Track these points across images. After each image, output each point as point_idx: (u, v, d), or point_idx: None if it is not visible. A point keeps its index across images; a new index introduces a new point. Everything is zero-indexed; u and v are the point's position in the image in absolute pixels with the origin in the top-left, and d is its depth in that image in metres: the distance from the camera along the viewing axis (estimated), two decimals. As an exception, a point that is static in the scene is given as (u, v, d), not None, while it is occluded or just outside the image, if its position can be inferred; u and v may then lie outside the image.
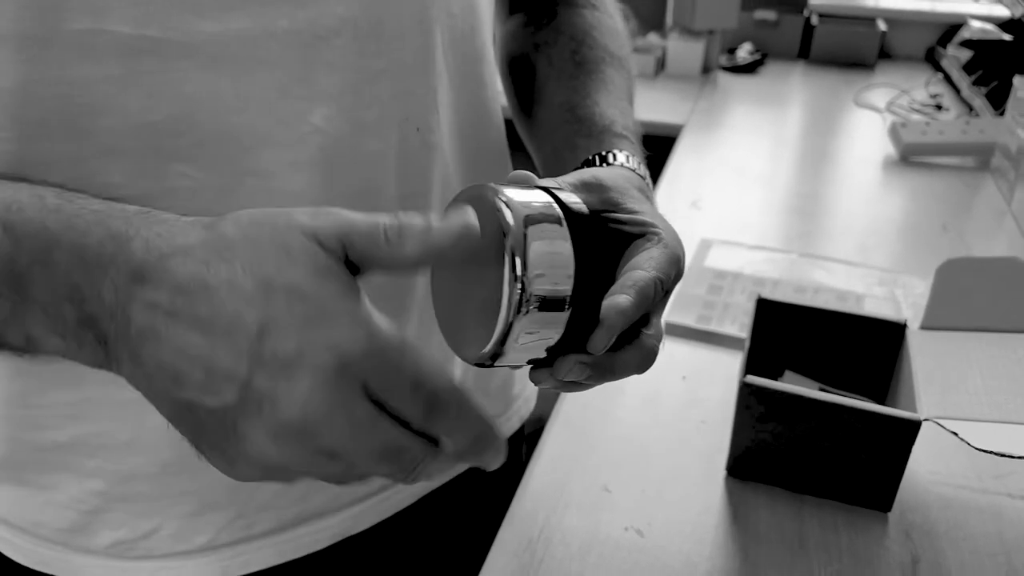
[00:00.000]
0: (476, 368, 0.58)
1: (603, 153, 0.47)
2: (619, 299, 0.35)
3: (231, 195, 0.41)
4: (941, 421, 0.55)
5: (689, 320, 0.83)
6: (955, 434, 0.53)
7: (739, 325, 0.82)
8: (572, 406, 0.71)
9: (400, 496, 0.56)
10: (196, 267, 0.29)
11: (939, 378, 0.60)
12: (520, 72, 0.59)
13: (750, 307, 0.84)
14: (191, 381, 0.29)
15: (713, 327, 0.82)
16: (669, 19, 1.89)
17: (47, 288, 0.31)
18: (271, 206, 0.41)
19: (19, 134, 0.37)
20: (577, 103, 0.52)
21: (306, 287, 0.29)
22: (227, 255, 0.29)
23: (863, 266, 0.97)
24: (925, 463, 0.64)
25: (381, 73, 0.44)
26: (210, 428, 0.30)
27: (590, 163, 0.47)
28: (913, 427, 0.56)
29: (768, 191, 1.23)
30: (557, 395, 1.91)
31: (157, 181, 0.39)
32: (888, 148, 1.37)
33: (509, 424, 0.65)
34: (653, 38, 1.85)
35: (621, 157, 0.46)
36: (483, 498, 0.65)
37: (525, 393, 0.66)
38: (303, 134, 0.42)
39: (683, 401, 0.72)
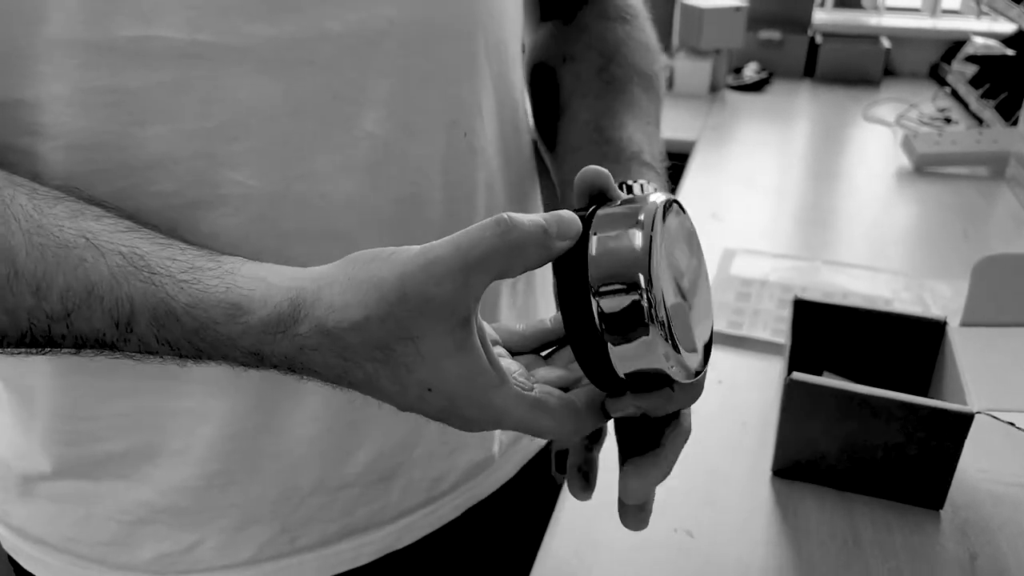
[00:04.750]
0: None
1: (629, 183, 0.46)
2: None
3: (281, 201, 0.40)
4: (995, 413, 0.54)
5: (720, 325, 0.82)
6: (1012, 424, 0.52)
7: (771, 330, 0.82)
8: (609, 411, 0.70)
9: (444, 510, 0.55)
10: (342, 372, 0.33)
11: (986, 372, 0.59)
12: (542, 81, 0.58)
13: (783, 313, 0.84)
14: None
15: (744, 332, 0.81)
16: (676, 40, 1.91)
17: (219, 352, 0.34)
18: (321, 212, 0.41)
19: (71, 143, 0.36)
20: (605, 124, 0.51)
21: (436, 383, 0.31)
22: (366, 356, 0.32)
23: (888, 272, 0.96)
24: (973, 460, 0.63)
25: (429, 76, 0.43)
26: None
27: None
28: (966, 420, 0.55)
29: (785, 202, 1.23)
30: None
31: (209, 188, 0.39)
32: (900, 160, 1.38)
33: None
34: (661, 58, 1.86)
35: (648, 188, 0.45)
36: (524, 509, 0.64)
37: None
38: (354, 138, 0.41)
39: (721, 405, 0.71)
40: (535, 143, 0.59)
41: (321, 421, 0.47)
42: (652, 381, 0.32)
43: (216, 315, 0.32)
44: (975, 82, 1.63)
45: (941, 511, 0.59)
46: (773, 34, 1.92)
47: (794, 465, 0.61)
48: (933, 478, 0.58)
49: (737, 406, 0.71)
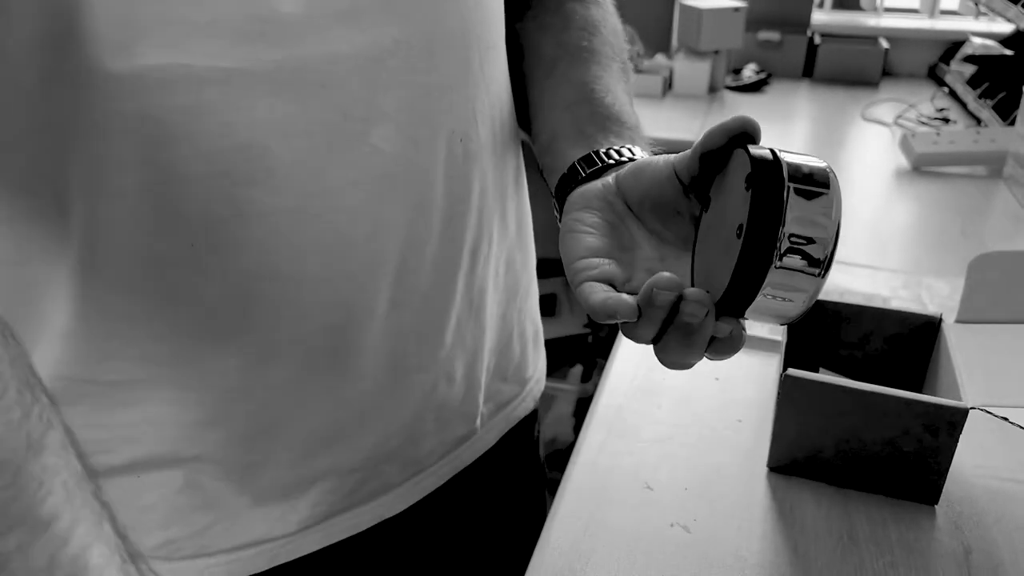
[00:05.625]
0: (497, 357, 0.58)
1: (634, 150, 0.47)
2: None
3: (297, 215, 0.42)
4: (989, 408, 0.54)
5: (718, 324, 0.83)
6: (1006, 419, 0.52)
7: (768, 328, 0.82)
8: (607, 408, 0.71)
9: (431, 480, 0.57)
10: None
11: (981, 369, 0.60)
12: (513, 43, 0.58)
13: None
14: None
15: (742, 330, 0.82)
16: (675, 41, 1.92)
17: None
18: (335, 224, 0.42)
19: (96, 167, 0.38)
20: (598, 89, 0.52)
21: None
22: None
23: (886, 270, 0.97)
24: (968, 456, 0.63)
25: (429, 89, 0.45)
26: None
27: (628, 156, 0.47)
28: (960, 415, 0.55)
29: (783, 202, 1.24)
30: (573, 414, 1.88)
31: (229, 206, 0.40)
32: (899, 160, 1.38)
33: (524, 405, 0.66)
34: (660, 59, 1.87)
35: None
36: (506, 475, 0.66)
37: (537, 374, 0.67)
38: (364, 154, 0.43)
39: (718, 402, 0.72)
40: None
41: (332, 414, 0.48)
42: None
43: None
44: (973, 82, 1.64)
45: (936, 506, 0.59)
46: (772, 35, 1.92)
47: (790, 461, 0.62)
48: (928, 473, 0.58)
49: (734, 403, 0.72)
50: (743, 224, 0.35)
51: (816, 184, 0.35)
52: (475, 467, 0.60)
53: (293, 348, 0.45)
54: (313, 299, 0.44)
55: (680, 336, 0.38)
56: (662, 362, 0.40)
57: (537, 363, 0.66)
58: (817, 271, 0.35)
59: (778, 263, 0.34)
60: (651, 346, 0.40)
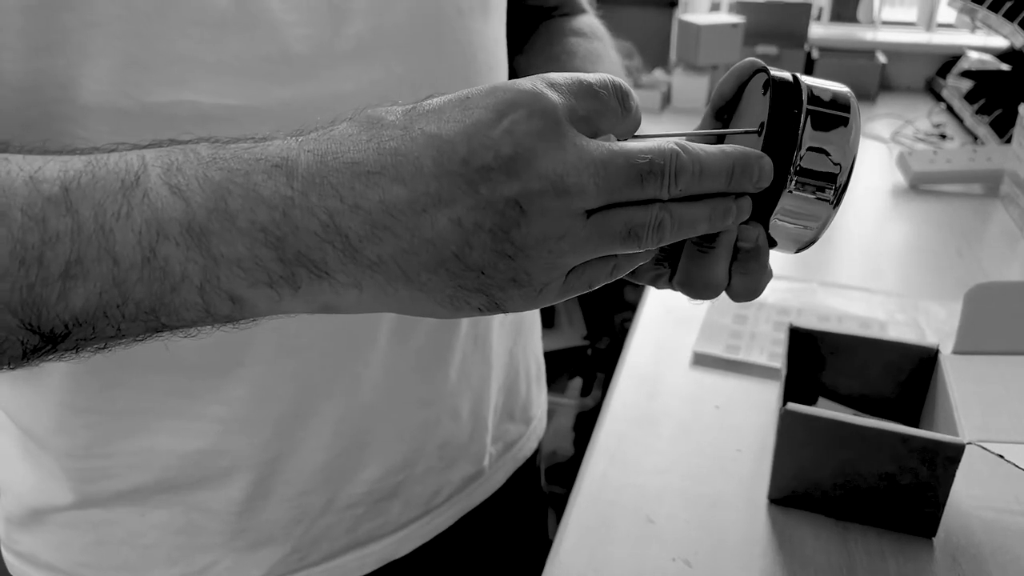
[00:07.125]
0: (505, 396, 0.59)
1: None
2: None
3: None
4: (985, 444, 0.55)
5: (718, 350, 0.83)
6: (1001, 456, 0.53)
7: (768, 354, 0.83)
8: (608, 437, 0.71)
9: (439, 520, 0.57)
10: (375, 144, 0.29)
11: (977, 402, 0.61)
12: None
13: (780, 336, 0.85)
14: (440, 236, 0.28)
15: (741, 356, 0.83)
16: (673, 56, 1.93)
17: (233, 239, 0.28)
18: None
19: None
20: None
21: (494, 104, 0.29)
22: (408, 121, 0.29)
23: (883, 293, 0.98)
24: (965, 488, 0.64)
25: None
26: (491, 265, 0.29)
27: None
28: (957, 451, 0.56)
29: (782, 221, 1.24)
30: (573, 428, 1.87)
31: None
32: (896, 177, 1.39)
33: (529, 444, 0.66)
34: (658, 74, 1.88)
35: None
36: (514, 515, 0.66)
37: (539, 413, 0.68)
38: None
39: (718, 430, 0.73)
40: None
41: (333, 447, 0.49)
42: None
43: (243, 141, 0.30)
44: (970, 97, 1.65)
45: (934, 539, 0.60)
46: (769, 49, 1.93)
47: (790, 494, 0.63)
48: (925, 507, 0.59)
49: (734, 431, 0.72)
50: (763, 122, 0.34)
51: (837, 107, 0.34)
52: (483, 507, 0.60)
53: (293, 380, 0.46)
54: (313, 329, 0.45)
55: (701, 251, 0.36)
56: (685, 292, 0.38)
57: (540, 400, 0.67)
58: (830, 204, 0.34)
59: (799, 164, 0.33)
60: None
